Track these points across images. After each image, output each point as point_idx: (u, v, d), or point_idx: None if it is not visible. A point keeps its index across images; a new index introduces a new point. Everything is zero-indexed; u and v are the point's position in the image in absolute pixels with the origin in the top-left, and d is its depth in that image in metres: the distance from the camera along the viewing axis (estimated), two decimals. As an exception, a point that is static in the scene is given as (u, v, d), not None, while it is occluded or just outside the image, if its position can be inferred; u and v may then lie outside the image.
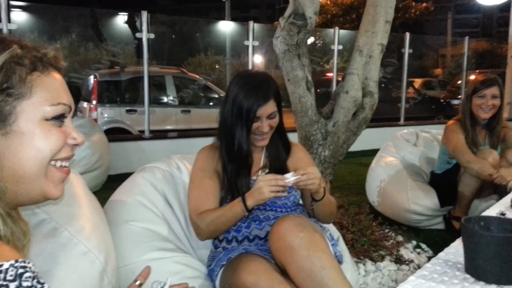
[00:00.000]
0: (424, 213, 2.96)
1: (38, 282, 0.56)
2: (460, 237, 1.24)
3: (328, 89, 6.95)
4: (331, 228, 1.93)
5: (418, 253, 2.61)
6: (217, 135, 1.64)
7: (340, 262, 1.59)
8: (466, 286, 1.09)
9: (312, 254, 1.31)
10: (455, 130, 2.78)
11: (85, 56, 8.98)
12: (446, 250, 1.32)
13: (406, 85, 7.10)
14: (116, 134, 5.81)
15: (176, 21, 11.14)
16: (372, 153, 3.74)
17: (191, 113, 7.05)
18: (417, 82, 12.34)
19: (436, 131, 3.59)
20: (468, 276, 1.14)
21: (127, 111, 6.51)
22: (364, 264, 2.30)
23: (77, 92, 6.65)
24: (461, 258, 1.20)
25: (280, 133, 1.66)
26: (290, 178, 1.41)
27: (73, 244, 1.26)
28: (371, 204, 3.28)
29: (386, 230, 2.60)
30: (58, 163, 0.74)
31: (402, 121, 7.14)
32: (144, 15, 5.02)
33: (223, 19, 11.10)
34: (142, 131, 5.35)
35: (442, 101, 11.62)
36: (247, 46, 5.66)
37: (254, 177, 1.62)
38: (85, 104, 6.49)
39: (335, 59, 6.43)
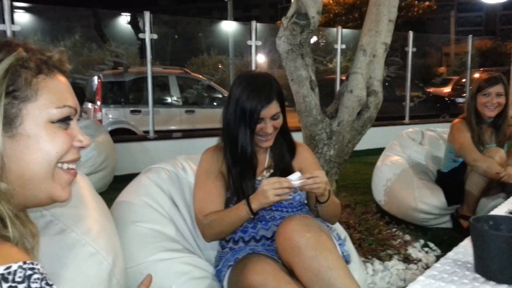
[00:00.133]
0: (432, 212, 2.94)
1: (47, 283, 0.56)
2: (469, 236, 1.23)
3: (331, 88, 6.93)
4: (338, 227, 1.92)
5: (426, 252, 2.60)
6: (221, 137, 1.64)
7: (347, 261, 1.58)
8: (476, 286, 1.09)
9: (319, 254, 1.31)
10: (461, 129, 2.77)
11: (88, 57, 9.02)
12: (455, 249, 1.31)
13: (410, 83, 7.08)
14: (121, 134, 5.83)
15: (179, 21, 11.15)
16: (378, 152, 3.73)
17: (195, 113, 7.05)
18: (454, 79, 12.13)
19: (441, 129, 3.57)
20: (478, 276, 1.13)
21: (132, 111, 6.52)
22: (372, 264, 2.29)
23: (81, 93, 6.68)
24: (470, 258, 1.20)
25: (284, 133, 1.65)
26: (295, 181, 1.40)
27: (80, 245, 1.26)
28: (377, 203, 3.27)
29: (394, 229, 2.60)
30: (65, 166, 0.74)
31: (407, 120, 7.11)
32: (147, 15, 5.02)
33: (226, 19, 11.11)
34: (147, 132, 5.37)
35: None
36: (250, 46, 5.65)
37: (259, 178, 1.62)
38: (89, 105, 6.51)
39: (338, 58, 6.41)
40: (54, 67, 0.74)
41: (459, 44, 12.88)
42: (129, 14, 8.76)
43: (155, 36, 5.09)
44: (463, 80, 9.63)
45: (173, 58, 9.84)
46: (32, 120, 0.69)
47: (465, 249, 1.30)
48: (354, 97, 2.38)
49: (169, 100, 7.22)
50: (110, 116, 6.41)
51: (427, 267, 2.33)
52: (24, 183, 0.69)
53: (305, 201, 1.70)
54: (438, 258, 2.31)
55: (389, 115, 7.22)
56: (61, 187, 0.74)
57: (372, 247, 2.34)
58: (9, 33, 4.19)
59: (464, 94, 9.22)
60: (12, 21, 4.29)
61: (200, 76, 7.83)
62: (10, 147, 0.67)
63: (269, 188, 1.39)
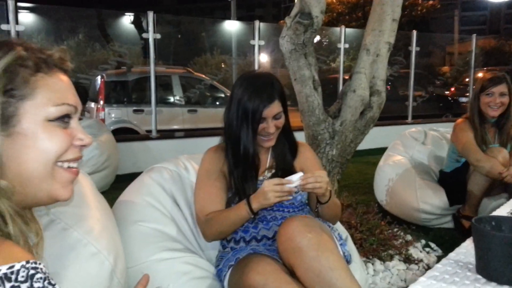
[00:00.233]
0: (433, 212, 2.94)
1: (49, 283, 0.57)
2: (471, 237, 1.23)
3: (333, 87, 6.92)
4: (340, 227, 1.92)
5: (428, 253, 2.59)
6: (223, 137, 1.64)
7: (348, 262, 1.58)
8: (478, 287, 1.08)
9: (320, 254, 1.31)
10: (464, 129, 2.76)
11: (91, 56, 9.03)
12: (457, 250, 1.31)
13: (413, 83, 7.06)
14: (123, 134, 5.84)
15: (182, 21, 11.15)
16: (380, 151, 3.72)
17: (198, 113, 7.06)
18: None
19: (444, 129, 3.56)
20: (479, 276, 1.13)
21: (134, 111, 6.53)
22: (373, 264, 2.29)
23: (84, 93, 6.70)
24: (472, 259, 1.19)
25: (286, 133, 1.65)
26: (296, 182, 1.40)
27: (82, 245, 1.26)
28: (379, 203, 3.27)
29: (395, 229, 2.59)
30: (66, 164, 0.73)
31: (409, 120, 7.09)
32: (150, 15, 5.03)
33: (229, 18, 11.10)
34: (149, 131, 5.37)
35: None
36: (253, 46, 5.65)
37: (260, 178, 1.62)
38: (92, 105, 6.53)
39: (341, 58, 6.40)
40: (54, 66, 0.74)
41: (463, 43, 12.83)
42: (133, 14, 8.77)
43: (158, 36, 5.09)
44: (466, 79, 9.60)
45: (176, 58, 9.85)
46: (29, 118, 0.68)
47: (466, 250, 1.30)
48: (357, 97, 2.38)
49: (171, 99, 7.23)
50: (113, 115, 6.43)
51: (428, 267, 2.33)
52: (23, 182, 0.69)
53: (307, 201, 1.69)
54: (439, 258, 2.31)
55: (392, 114, 7.20)
56: (61, 186, 0.73)
57: (373, 247, 2.33)
58: (13, 33, 4.21)
59: (467, 94, 9.19)
60: (17, 21, 4.30)
61: (203, 76, 7.84)
62: (7, 146, 0.67)
63: (270, 189, 1.39)
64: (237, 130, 1.55)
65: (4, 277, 0.53)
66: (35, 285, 0.55)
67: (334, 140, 2.38)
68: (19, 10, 4.61)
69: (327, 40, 10.68)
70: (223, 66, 9.93)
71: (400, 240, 2.52)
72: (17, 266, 0.55)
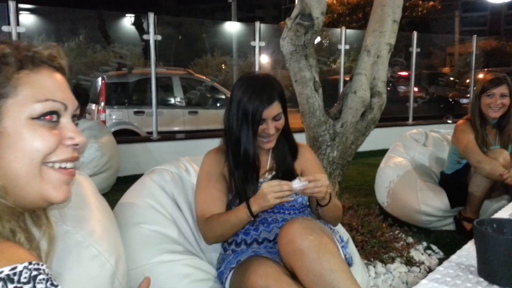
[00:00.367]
0: (435, 214, 2.93)
1: (52, 284, 0.56)
2: (472, 240, 1.23)
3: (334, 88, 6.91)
4: (341, 230, 1.91)
5: (429, 255, 2.59)
6: (223, 139, 1.64)
7: (349, 264, 1.58)
8: (480, 290, 1.08)
9: (321, 257, 1.30)
10: (465, 130, 2.75)
11: (92, 58, 9.04)
12: (458, 252, 1.31)
13: (414, 84, 7.06)
14: (124, 135, 5.84)
15: (182, 22, 11.16)
16: (381, 153, 3.72)
17: (199, 114, 7.06)
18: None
19: (445, 130, 3.56)
20: (481, 279, 1.13)
21: (135, 112, 6.54)
22: (374, 266, 2.29)
23: (85, 94, 6.69)
24: (473, 261, 1.19)
25: (286, 134, 1.65)
26: (296, 185, 1.40)
27: (83, 247, 1.26)
28: (380, 205, 3.26)
29: (396, 232, 2.58)
30: (57, 165, 0.71)
31: (410, 121, 7.09)
32: (151, 16, 5.04)
33: (229, 19, 11.11)
34: (150, 133, 5.38)
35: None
36: (254, 47, 5.65)
37: (261, 180, 1.62)
38: (93, 106, 6.53)
39: (342, 59, 6.40)
40: (43, 63, 0.72)
41: (463, 44, 12.83)
42: (133, 15, 8.80)
43: (159, 37, 5.10)
44: (467, 80, 9.58)
45: (176, 59, 9.85)
46: (11, 117, 0.66)
47: (468, 252, 1.29)
48: (358, 98, 2.37)
49: (172, 101, 7.24)
50: (114, 117, 6.44)
51: (429, 270, 2.32)
52: (11, 182, 0.67)
53: (307, 203, 1.69)
54: (441, 261, 2.31)
55: (393, 115, 7.20)
56: (52, 187, 0.70)
57: (374, 249, 2.33)
58: (14, 35, 4.22)
59: (468, 95, 9.18)
60: (18, 23, 4.31)
61: (204, 77, 7.84)
62: None
63: (269, 191, 1.39)
64: (237, 131, 1.55)
65: (6, 278, 0.53)
66: (38, 286, 0.55)
67: (335, 141, 2.38)
68: (20, 12, 4.61)
69: (328, 41, 10.68)
70: (223, 67, 9.94)
71: (402, 242, 2.52)
72: (20, 267, 0.55)
